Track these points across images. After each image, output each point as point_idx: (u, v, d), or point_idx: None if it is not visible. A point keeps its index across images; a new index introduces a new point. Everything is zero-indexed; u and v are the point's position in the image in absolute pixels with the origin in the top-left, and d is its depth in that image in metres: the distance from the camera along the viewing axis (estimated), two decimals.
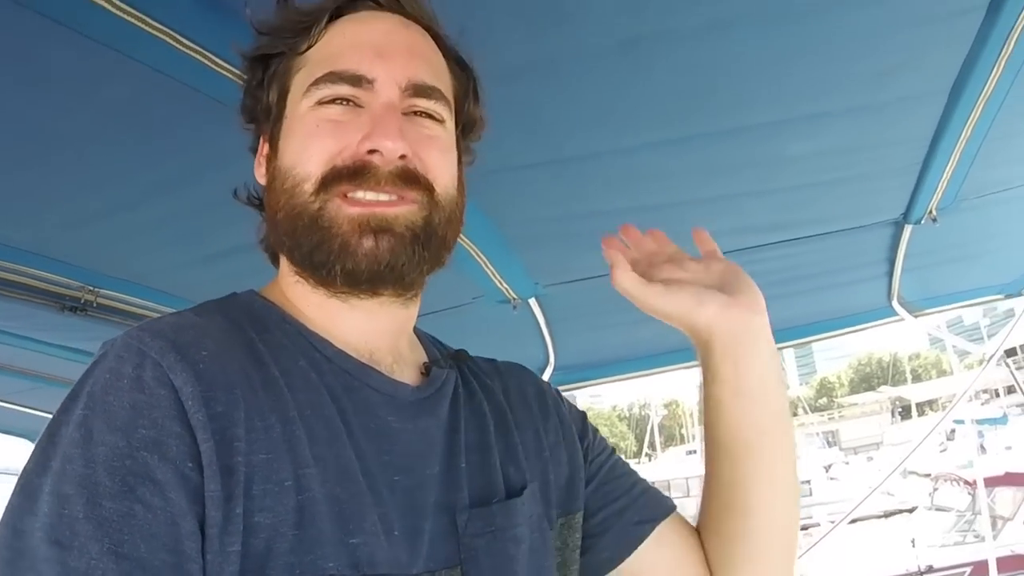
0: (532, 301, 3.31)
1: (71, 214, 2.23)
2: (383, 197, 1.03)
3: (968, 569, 14.06)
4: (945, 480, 18.35)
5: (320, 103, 1.06)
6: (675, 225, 2.65)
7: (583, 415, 1.38)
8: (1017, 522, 14.50)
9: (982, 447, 26.16)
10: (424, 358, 1.21)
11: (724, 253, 2.89)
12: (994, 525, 14.56)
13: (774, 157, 2.37)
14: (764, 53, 1.85)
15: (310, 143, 1.05)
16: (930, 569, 14.54)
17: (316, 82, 1.06)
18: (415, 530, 1.01)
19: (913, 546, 15.34)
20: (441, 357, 1.23)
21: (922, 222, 2.99)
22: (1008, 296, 4.51)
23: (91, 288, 2.81)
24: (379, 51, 1.07)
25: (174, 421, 0.88)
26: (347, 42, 1.08)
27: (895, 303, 4.21)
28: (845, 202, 2.86)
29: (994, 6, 1.78)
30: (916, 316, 4.39)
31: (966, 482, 16.21)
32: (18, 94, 1.65)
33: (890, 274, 3.76)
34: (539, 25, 1.64)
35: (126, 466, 0.85)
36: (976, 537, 14.63)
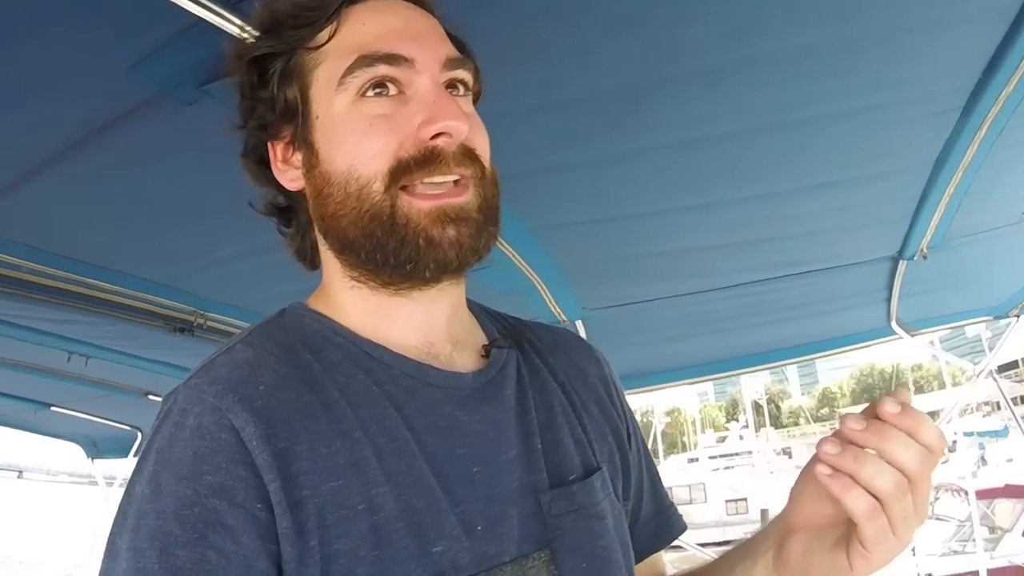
0: (579, 322, 3.82)
1: (201, 257, 2.69)
2: (449, 178, 1.00)
3: None
4: (945, 490, 18.54)
5: (361, 96, 1.00)
6: (706, 263, 3.24)
7: (630, 410, 1.31)
8: (1016, 533, 14.59)
9: (983, 459, 26.39)
10: (483, 338, 1.16)
11: (746, 285, 3.46)
12: (993, 535, 14.87)
13: (789, 213, 2.93)
14: (782, 143, 2.40)
15: (366, 143, 0.99)
16: None
17: (349, 69, 0.99)
18: (502, 517, 1.00)
19: (913, 554, 15.54)
20: (500, 336, 1.18)
21: (915, 258, 3.49)
22: (996, 317, 4.99)
23: (201, 312, 3.25)
24: (409, 33, 1.03)
25: (238, 464, 0.88)
26: (371, 30, 1.02)
27: (894, 324, 4.71)
28: (847, 244, 3.40)
29: (969, 105, 2.26)
30: (913, 335, 4.89)
31: (966, 493, 16.35)
32: (193, 165, 2.03)
33: (888, 300, 4.27)
34: (621, 129, 2.17)
35: (195, 513, 0.86)
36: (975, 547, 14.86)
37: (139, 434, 6.31)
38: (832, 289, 3.95)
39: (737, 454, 52.40)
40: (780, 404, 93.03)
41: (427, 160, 0.98)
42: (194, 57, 1.58)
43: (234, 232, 2.40)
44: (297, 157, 1.07)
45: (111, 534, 0.90)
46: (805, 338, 4.98)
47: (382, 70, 0.99)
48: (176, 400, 0.94)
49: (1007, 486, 16.18)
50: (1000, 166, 2.69)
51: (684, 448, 76.73)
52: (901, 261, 3.58)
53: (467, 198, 1.01)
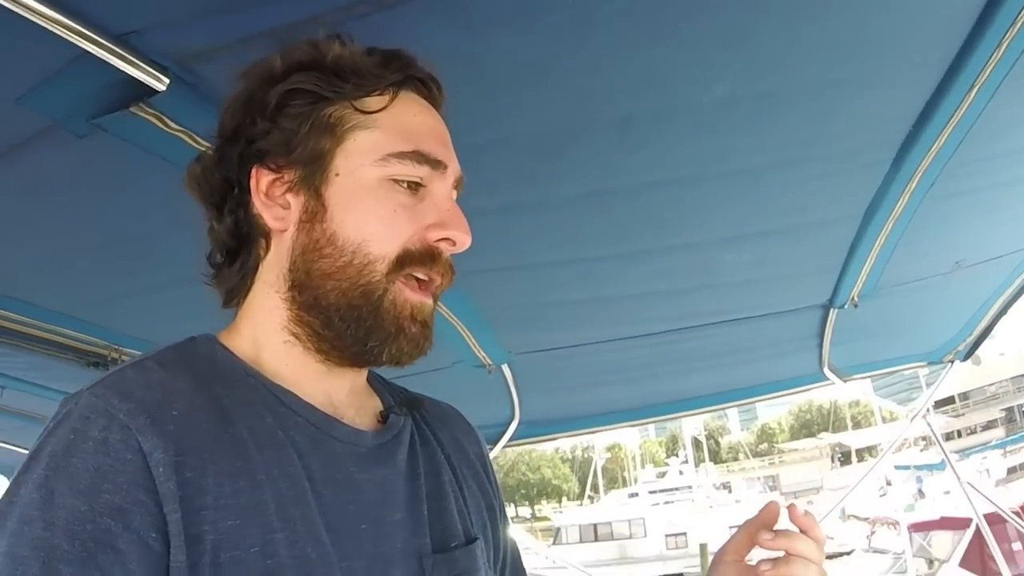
0: (505, 367, 3.73)
1: (108, 290, 2.56)
2: (424, 278, 1.08)
3: None
4: (881, 524, 18.79)
5: (392, 179, 1.05)
6: (630, 312, 3.15)
7: (500, 489, 1.38)
8: (952, 564, 14.90)
9: (921, 492, 26.78)
10: (379, 405, 1.20)
11: (673, 332, 3.37)
12: (931, 567, 15.08)
13: (713, 263, 2.85)
14: (701, 194, 2.33)
15: (385, 227, 1.04)
16: None
17: (402, 155, 1.05)
18: None
19: None
20: (395, 404, 1.22)
21: (845, 307, 3.44)
22: (930, 364, 4.94)
23: (116, 347, 3.07)
24: (445, 142, 1.11)
25: (140, 489, 0.86)
26: (421, 124, 1.09)
27: (826, 370, 4.65)
28: (775, 293, 3.34)
29: (898, 158, 2.22)
30: (845, 381, 4.84)
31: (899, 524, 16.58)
32: (90, 198, 1.96)
33: (820, 347, 4.21)
34: (533, 178, 2.09)
35: (87, 531, 0.83)
36: None
37: None
38: (762, 336, 3.88)
39: (677, 489, 52.58)
40: (719, 440, 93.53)
41: (427, 259, 1.06)
42: (84, 89, 1.52)
43: (139, 265, 2.35)
44: (288, 199, 1.09)
45: None
46: (738, 383, 4.90)
47: (423, 171, 1.06)
48: (78, 405, 0.91)
49: (943, 518, 16.43)
50: (932, 218, 2.65)
51: (624, 483, 76.74)
52: (832, 309, 3.54)
53: (430, 301, 1.10)
